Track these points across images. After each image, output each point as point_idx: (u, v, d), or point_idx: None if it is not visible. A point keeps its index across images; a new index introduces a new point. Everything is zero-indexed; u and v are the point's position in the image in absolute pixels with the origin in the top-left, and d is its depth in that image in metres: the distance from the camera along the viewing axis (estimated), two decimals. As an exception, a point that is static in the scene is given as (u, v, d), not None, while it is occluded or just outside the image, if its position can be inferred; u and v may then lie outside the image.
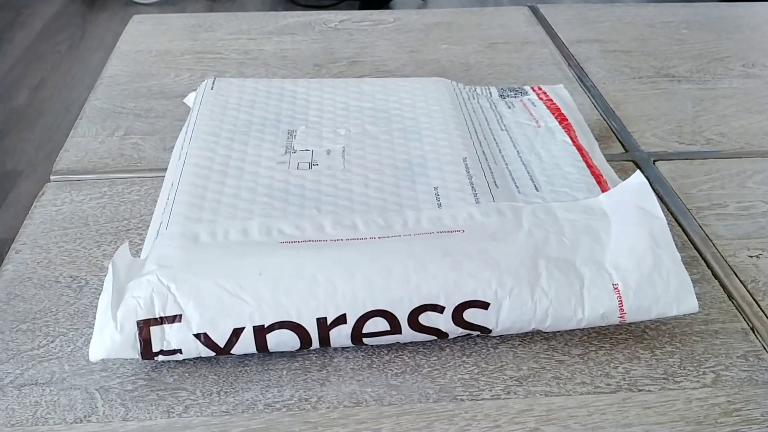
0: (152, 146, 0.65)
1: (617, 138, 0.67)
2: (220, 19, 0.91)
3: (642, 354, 0.45)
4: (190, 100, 0.65)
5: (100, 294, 0.43)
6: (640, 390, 0.42)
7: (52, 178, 0.60)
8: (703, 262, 0.52)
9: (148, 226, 0.52)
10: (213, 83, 0.63)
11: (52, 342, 0.45)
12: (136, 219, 0.55)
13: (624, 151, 0.66)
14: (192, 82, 0.75)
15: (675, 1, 1.01)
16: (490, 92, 0.65)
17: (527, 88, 0.66)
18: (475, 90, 0.66)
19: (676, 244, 0.46)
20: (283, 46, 0.84)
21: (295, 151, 0.55)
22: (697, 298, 0.45)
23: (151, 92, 0.74)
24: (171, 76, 0.77)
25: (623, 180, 0.50)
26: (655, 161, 0.64)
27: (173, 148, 0.58)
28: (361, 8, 2.69)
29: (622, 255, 0.45)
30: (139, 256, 0.47)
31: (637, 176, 0.49)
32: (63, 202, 0.57)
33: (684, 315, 0.46)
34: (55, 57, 2.23)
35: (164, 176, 0.55)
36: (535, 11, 0.94)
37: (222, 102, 0.60)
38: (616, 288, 0.44)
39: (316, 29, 0.89)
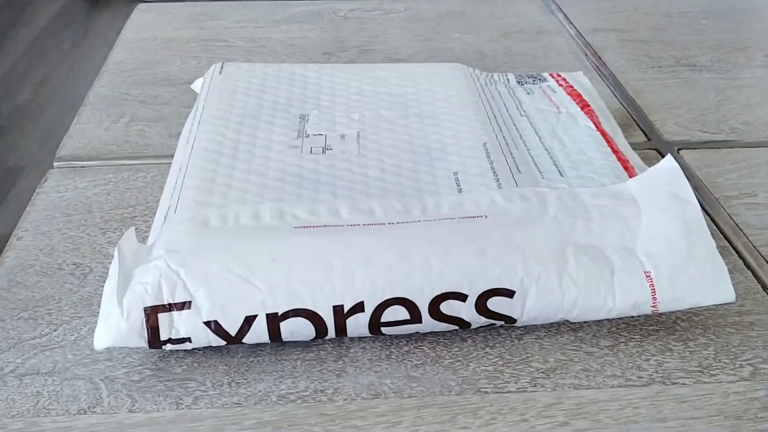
0: (158, 133, 0.63)
1: (639, 126, 0.65)
2: (226, 8, 0.89)
3: (674, 346, 0.43)
4: (197, 85, 0.63)
5: (104, 281, 0.41)
6: (674, 383, 0.40)
7: (56, 164, 0.58)
8: (734, 252, 0.50)
9: (155, 213, 0.49)
10: (221, 68, 0.61)
11: (55, 330, 0.43)
12: (142, 206, 0.53)
13: (647, 139, 0.63)
14: (198, 70, 0.73)
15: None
16: (508, 79, 0.63)
17: (546, 74, 0.64)
18: (492, 76, 0.64)
19: (708, 232, 0.44)
20: (291, 34, 0.82)
21: (308, 136, 0.52)
22: (731, 288, 0.42)
23: (156, 79, 0.72)
24: (177, 63, 0.75)
25: (650, 167, 0.48)
26: (679, 150, 0.62)
27: (180, 134, 0.56)
28: None
29: (654, 241, 0.43)
30: (146, 243, 0.44)
31: (668, 161, 0.47)
32: (66, 189, 0.55)
33: (717, 306, 0.44)
34: (59, 54, 2.21)
35: (171, 163, 0.53)
36: (549, 0, 0.92)
37: (231, 86, 0.58)
38: (649, 276, 0.41)
39: (326, 18, 0.86)
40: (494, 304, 0.41)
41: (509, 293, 0.41)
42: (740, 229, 0.52)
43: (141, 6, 0.90)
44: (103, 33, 2.36)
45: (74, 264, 0.48)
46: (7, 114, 1.86)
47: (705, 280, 0.42)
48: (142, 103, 0.67)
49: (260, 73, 0.61)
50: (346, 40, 0.81)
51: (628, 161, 0.51)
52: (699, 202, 0.54)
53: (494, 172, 0.48)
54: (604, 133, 0.54)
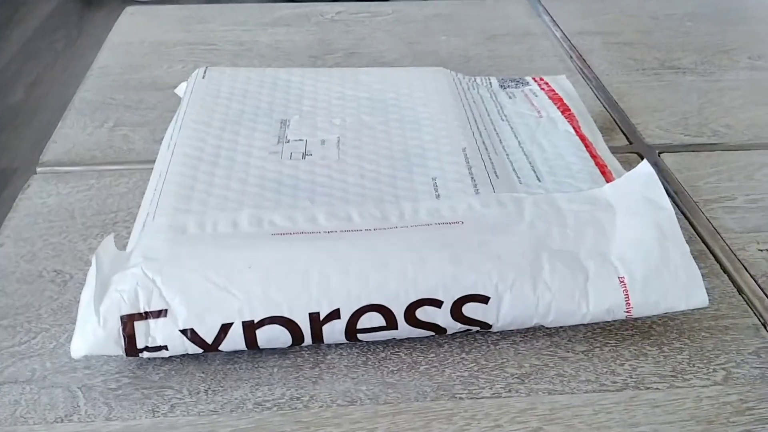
0: (142, 138, 0.63)
1: (621, 130, 0.65)
2: (214, 11, 0.89)
3: (649, 351, 0.43)
4: (181, 90, 0.64)
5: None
6: (647, 388, 0.41)
7: (38, 170, 0.58)
8: (711, 256, 0.50)
9: (136, 219, 0.50)
10: (204, 72, 0.61)
11: (34, 338, 0.43)
12: (124, 212, 0.53)
13: (628, 143, 0.64)
14: (184, 74, 0.73)
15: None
16: (491, 82, 0.64)
17: (528, 78, 0.64)
18: (475, 80, 0.64)
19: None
20: (278, 37, 0.82)
21: (288, 141, 0.53)
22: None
23: (142, 84, 0.72)
24: (163, 67, 0.75)
25: (628, 171, 0.49)
26: (660, 153, 0.62)
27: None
28: None
29: (628, 247, 0.43)
30: (126, 250, 0.45)
31: (644, 166, 0.47)
32: (49, 195, 0.55)
33: (693, 310, 0.44)
34: (52, 54, 2.21)
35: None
36: (536, 3, 0.92)
37: (213, 91, 0.59)
38: (622, 281, 0.42)
39: (312, 21, 0.87)
40: (469, 310, 0.41)
41: (484, 299, 0.41)
42: (718, 233, 0.52)
43: (129, 9, 0.90)
44: (97, 34, 2.35)
45: (55, 271, 0.48)
46: (0, 115, 1.87)
47: (678, 285, 0.42)
48: (127, 107, 0.67)
49: (243, 78, 0.61)
50: (333, 44, 0.81)
51: (606, 166, 0.51)
52: (678, 205, 0.55)
53: (472, 178, 0.48)
54: (583, 138, 0.54)
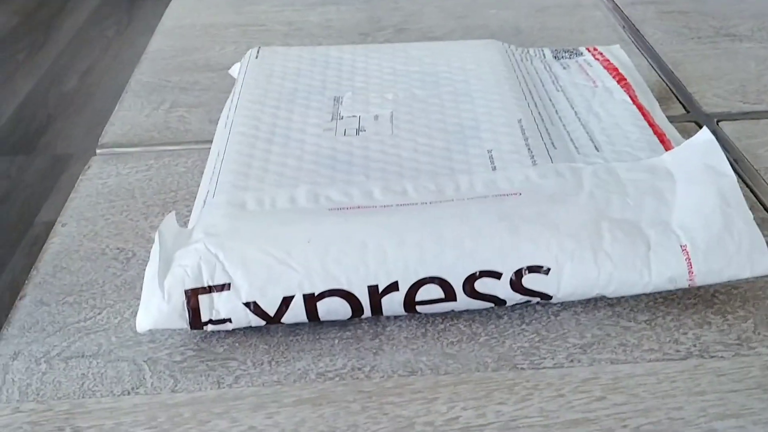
0: (198, 118, 0.64)
1: (677, 99, 0.64)
2: (263, -8, 0.90)
3: (713, 319, 0.42)
4: (234, 70, 0.64)
5: (147, 265, 0.42)
6: (712, 356, 0.40)
7: (98, 151, 0.60)
8: (775, 223, 0.49)
9: (195, 197, 0.50)
10: (258, 52, 0.62)
11: (99, 314, 0.44)
12: (183, 191, 0.54)
13: (685, 112, 0.62)
14: (237, 55, 0.74)
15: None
16: (544, 54, 0.63)
17: (582, 49, 0.63)
18: (528, 52, 0.63)
19: (746, 204, 0.43)
20: (327, 16, 0.82)
21: (342, 118, 0.53)
22: (770, 261, 0.42)
23: (196, 65, 0.73)
24: (216, 49, 0.76)
25: (687, 139, 0.48)
26: (718, 121, 0.61)
27: (218, 120, 0.57)
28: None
29: (690, 215, 0.42)
30: (187, 227, 0.45)
31: (704, 133, 0.46)
32: (109, 175, 0.56)
33: (757, 278, 0.44)
34: (103, 42, 2.24)
35: (210, 148, 0.54)
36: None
37: (267, 70, 0.59)
38: (685, 249, 0.41)
39: (361, -1, 0.87)
40: (529, 281, 0.41)
41: (544, 270, 0.41)
42: (782, 200, 0.51)
43: (179, -7, 0.91)
44: (147, 20, 2.39)
45: (117, 249, 0.49)
46: (55, 103, 1.91)
47: (742, 253, 0.41)
48: (182, 89, 0.68)
49: (295, 57, 0.61)
50: (382, 20, 0.81)
51: (665, 134, 0.50)
52: (739, 174, 0.54)
53: (529, 149, 0.48)
54: (640, 107, 0.54)
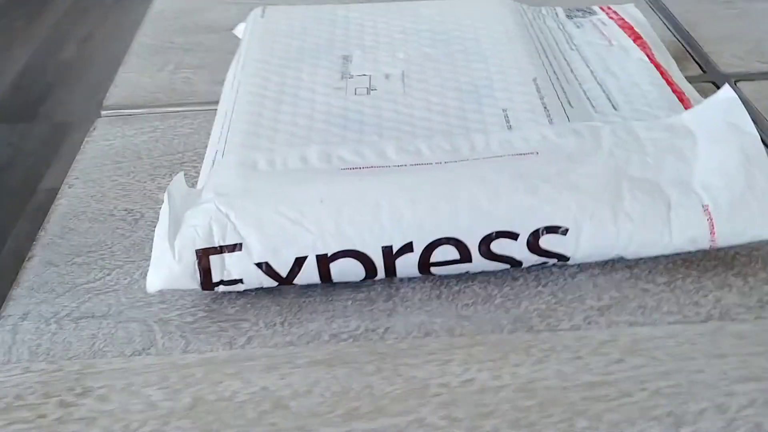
0: (203, 80, 0.62)
1: (693, 59, 0.63)
2: (267, -47, 0.88)
3: (734, 281, 0.41)
4: (239, 30, 0.63)
5: (155, 226, 0.41)
6: (733, 319, 0.39)
7: (103, 113, 0.59)
8: (795, 184, 0.48)
9: (203, 158, 0.49)
10: (263, 12, 0.61)
11: (108, 275, 0.43)
12: (191, 152, 0.53)
13: (702, 72, 0.61)
14: (240, 16, 0.72)
15: None
16: (557, 13, 0.62)
17: (596, 8, 0.62)
18: (540, 11, 0.62)
19: (768, 164, 0.42)
20: (333, -24, 0.81)
21: (352, 77, 0.52)
22: (792, 222, 0.41)
23: (198, 27, 0.71)
24: (218, 9, 0.74)
25: (707, 98, 0.47)
26: (736, 81, 0.59)
27: (224, 80, 0.56)
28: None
29: (712, 174, 0.41)
30: (195, 188, 0.44)
31: (726, 91, 0.45)
32: (115, 137, 0.55)
33: (779, 239, 0.43)
34: (102, 9, 2.22)
35: (216, 109, 0.53)
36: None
37: (273, 30, 0.58)
38: (707, 209, 0.40)
39: (368, -41, 0.85)
40: (547, 242, 0.40)
41: (562, 230, 0.40)
42: (802, 161, 0.50)
43: (181, -46, 0.89)
44: (145, -13, 2.36)
45: (125, 210, 0.48)
46: (54, 70, 1.89)
47: (765, 213, 0.40)
48: (186, 51, 0.67)
49: (301, 16, 0.60)
50: (389, -19, 0.79)
51: (684, 93, 0.49)
52: (759, 134, 0.53)
53: (545, 108, 0.47)
54: (657, 66, 0.52)
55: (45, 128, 1.64)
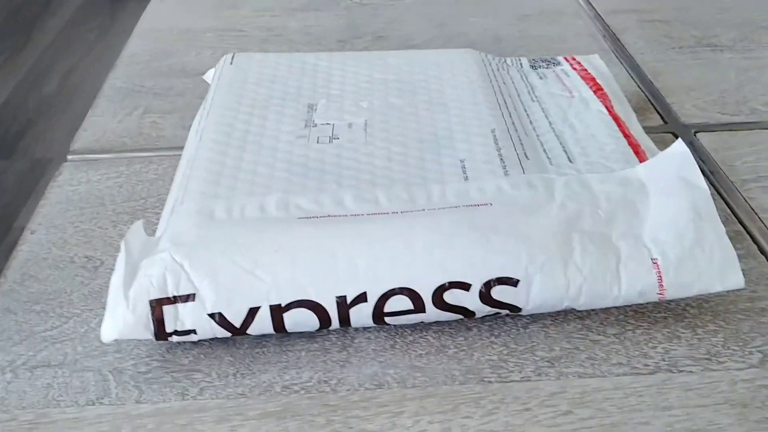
0: (171, 124, 0.63)
1: (656, 109, 0.64)
2: (244, -3, 0.89)
3: (683, 333, 0.42)
4: (209, 76, 0.64)
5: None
6: (680, 371, 0.40)
7: (69, 157, 0.59)
8: (748, 236, 0.49)
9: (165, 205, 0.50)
10: (232, 58, 0.61)
11: (66, 323, 0.43)
12: (154, 198, 0.54)
13: (663, 122, 0.62)
14: (213, 60, 0.73)
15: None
16: (521, 63, 0.63)
17: (560, 58, 0.63)
18: (505, 61, 0.63)
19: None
20: (307, 22, 0.82)
21: (315, 125, 0.52)
22: (743, 274, 0.42)
23: (171, 70, 0.72)
24: (192, 54, 0.75)
25: (662, 151, 0.48)
26: (696, 132, 0.60)
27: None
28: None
29: (662, 228, 0.42)
30: (155, 236, 0.45)
31: (678, 145, 0.46)
32: (79, 182, 0.56)
33: (728, 292, 0.43)
34: (85, 44, 2.23)
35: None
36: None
37: (241, 76, 0.58)
38: (655, 263, 0.41)
39: (342, 5, 0.86)
40: (498, 293, 0.41)
41: (513, 282, 0.40)
42: (756, 213, 0.51)
43: (158, -4, 0.90)
44: (130, 23, 2.37)
45: (86, 257, 0.48)
46: (35, 105, 1.89)
47: (713, 267, 0.41)
48: (157, 95, 0.68)
49: (271, 63, 0.61)
50: (361, 27, 0.81)
51: (640, 145, 0.50)
52: (714, 186, 0.54)
53: (501, 159, 0.48)
54: (616, 118, 0.53)
55: (23, 164, 1.64)
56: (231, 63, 0.61)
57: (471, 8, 0.84)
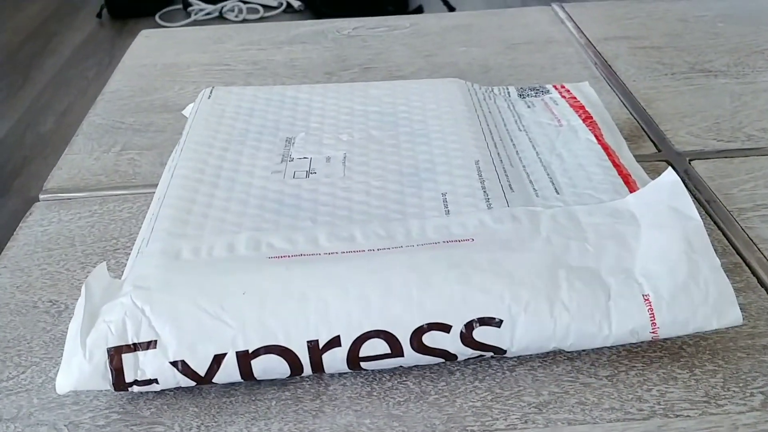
0: (149, 161, 0.61)
1: (649, 137, 0.62)
2: (230, 31, 0.88)
3: (679, 374, 0.39)
4: (188, 111, 0.62)
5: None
6: (677, 415, 0.37)
7: (41, 197, 0.57)
8: (747, 268, 0.47)
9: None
10: (211, 92, 0.60)
11: (23, 373, 0.41)
12: (125, 238, 0.51)
13: (657, 150, 0.60)
14: (196, 95, 0.72)
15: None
16: (509, 92, 0.61)
17: (549, 86, 0.61)
18: (492, 90, 0.61)
19: (715, 250, 0.41)
20: (293, 55, 0.80)
21: (292, 159, 0.50)
22: (741, 309, 0.39)
23: (153, 106, 0.70)
24: (175, 89, 0.74)
25: (652, 181, 0.45)
26: (690, 160, 0.58)
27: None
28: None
29: (654, 262, 0.40)
30: (122, 278, 0.43)
31: (669, 174, 0.44)
32: (50, 222, 0.53)
33: (727, 328, 0.41)
34: (83, 83, 2.22)
35: (157, 192, 0.51)
36: (559, 10, 0.89)
37: (219, 111, 0.57)
38: (647, 299, 0.38)
39: (329, 37, 0.85)
40: (480, 334, 0.38)
41: (496, 322, 0.38)
42: (754, 243, 0.49)
43: (144, 32, 0.89)
44: (128, 60, 2.37)
45: (50, 301, 0.46)
46: (31, 144, 1.88)
47: (709, 303, 0.38)
48: (136, 131, 0.66)
49: (250, 97, 0.59)
50: (348, 59, 0.79)
51: (630, 175, 0.48)
52: (710, 215, 0.51)
53: (485, 192, 0.46)
54: (605, 147, 0.51)
55: (17, 203, 1.63)
56: (209, 97, 0.59)
57: (460, 38, 0.83)
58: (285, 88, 0.60)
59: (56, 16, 2.78)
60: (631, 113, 0.66)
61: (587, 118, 0.55)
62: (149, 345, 0.37)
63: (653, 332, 0.38)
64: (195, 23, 2.77)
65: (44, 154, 1.83)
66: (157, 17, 2.81)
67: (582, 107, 0.57)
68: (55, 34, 2.60)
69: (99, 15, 2.81)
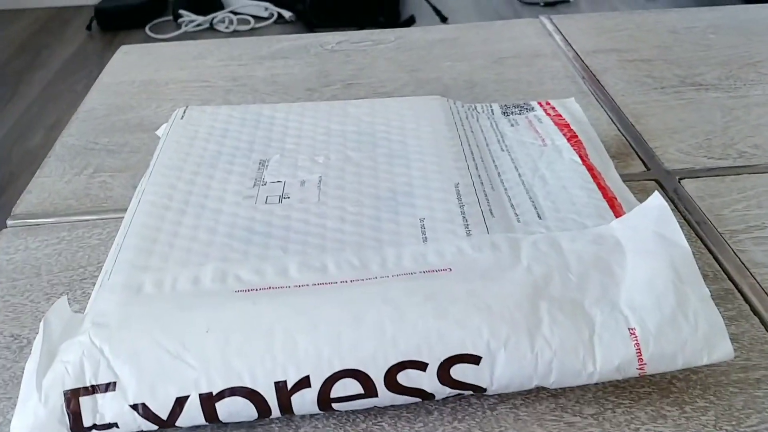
0: (121, 184, 0.59)
1: (637, 155, 0.60)
2: (211, 46, 0.86)
3: (669, 411, 0.37)
4: (162, 131, 0.60)
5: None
6: (666, 457, 0.35)
7: (9, 223, 0.55)
8: (739, 295, 0.45)
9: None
10: (184, 112, 0.58)
11: (-22, 415, 0.39)
12: (93, 267, 0.49)
13: (645, 169, 0.58)
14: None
15: (699, 5, 0.93)
16: (492, 110, 0.59)
17: (533, 103, 0.59)
18: (475, 108, 0.59)
19: (705, 277, 0.39)
20: (274, 71, 0.78)
21: (265, 183, 0.48)
22: (733, 339, 0.37)
23: (128, 126, 0.68)
24: (152, 107, 0.72)
25: (642, 203, 0.43)
26: (680, 179, 0.56)
27: (141, 185, 0.53)
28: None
29: (639, 292, 0.38)
30: (85, 312, 0.40)
31: (655, 198, 0.42)
32: (16, 250, 0.51)
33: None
34: (72, 96, 2.20)
35: (128, 217, 0.49)
36: (547, 22, 0.87)
37: (191, 132, 0.55)
38: (633, 333, 0.36)
39: (312, 52, 0.83)
40: (458, 372, 0.36)
41: (475, 359, 0.36)
42: (747, 268, 0.47)
43: (123, 48, 0.87)
44: (118, 73, 2.35)
45: (12, 335, 0.44)
46: (18, 159, 1.86)
47: (698, 336, 0.36)
48: (110, 152, 0.64)
49: (225, 117, 0.57)
50: (331, 75, 0.77)
51: (615, 198, 0.46)
52: (701, 238, 0.49)
53: (464, 217, 0.44)
54: (590, 167, 0.49)
55: (1, 220, 1.61)
56: (182, 117, 0.57)
57: (445, 52, 0.81)
58: (261, 107, 0.58)
59: (46, 29, 2.77)
60: (619, 129, 0.64)
61: (572, 137, 0.53)
62: (108, 387, 0.35)
63: (640, 368, 0.36)
64: (185, 35, 2.75)
65: (32, 169, 1.81)
66: (147, 29, 2.80)
67: (567, 125, 0.55)
68: (44, 46, 2.58)
69: (89, 27, 2.80)
